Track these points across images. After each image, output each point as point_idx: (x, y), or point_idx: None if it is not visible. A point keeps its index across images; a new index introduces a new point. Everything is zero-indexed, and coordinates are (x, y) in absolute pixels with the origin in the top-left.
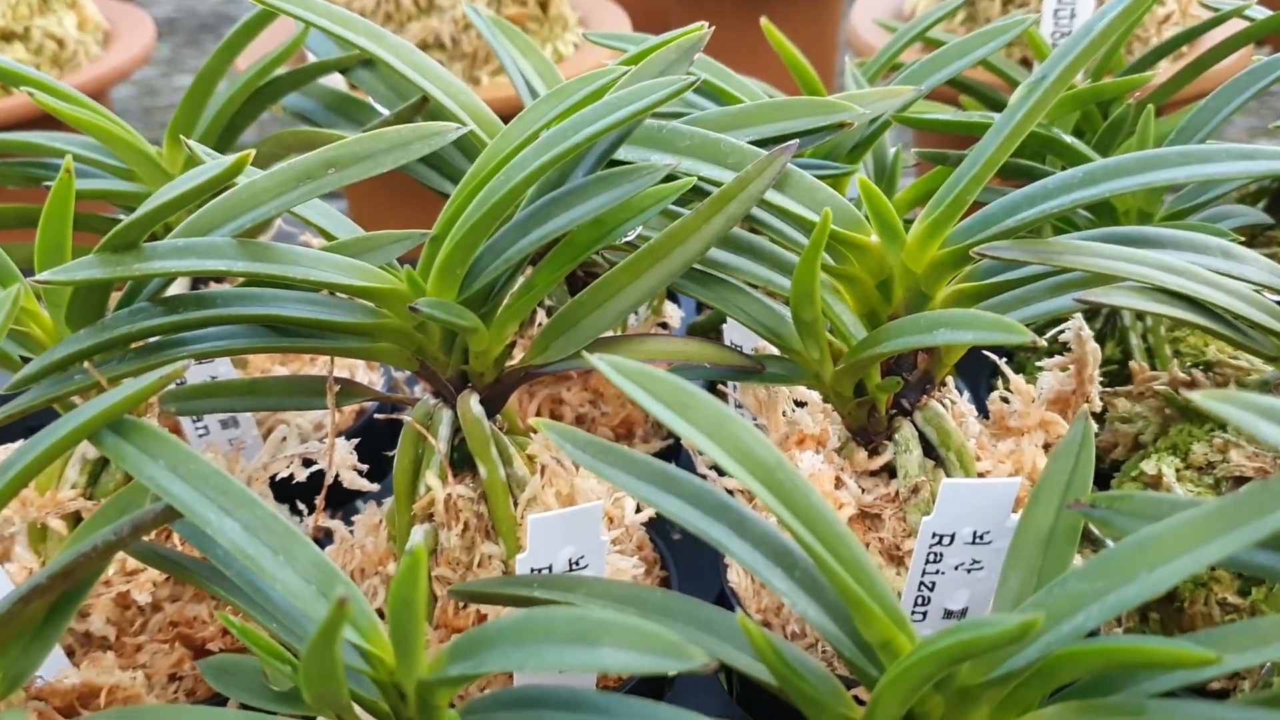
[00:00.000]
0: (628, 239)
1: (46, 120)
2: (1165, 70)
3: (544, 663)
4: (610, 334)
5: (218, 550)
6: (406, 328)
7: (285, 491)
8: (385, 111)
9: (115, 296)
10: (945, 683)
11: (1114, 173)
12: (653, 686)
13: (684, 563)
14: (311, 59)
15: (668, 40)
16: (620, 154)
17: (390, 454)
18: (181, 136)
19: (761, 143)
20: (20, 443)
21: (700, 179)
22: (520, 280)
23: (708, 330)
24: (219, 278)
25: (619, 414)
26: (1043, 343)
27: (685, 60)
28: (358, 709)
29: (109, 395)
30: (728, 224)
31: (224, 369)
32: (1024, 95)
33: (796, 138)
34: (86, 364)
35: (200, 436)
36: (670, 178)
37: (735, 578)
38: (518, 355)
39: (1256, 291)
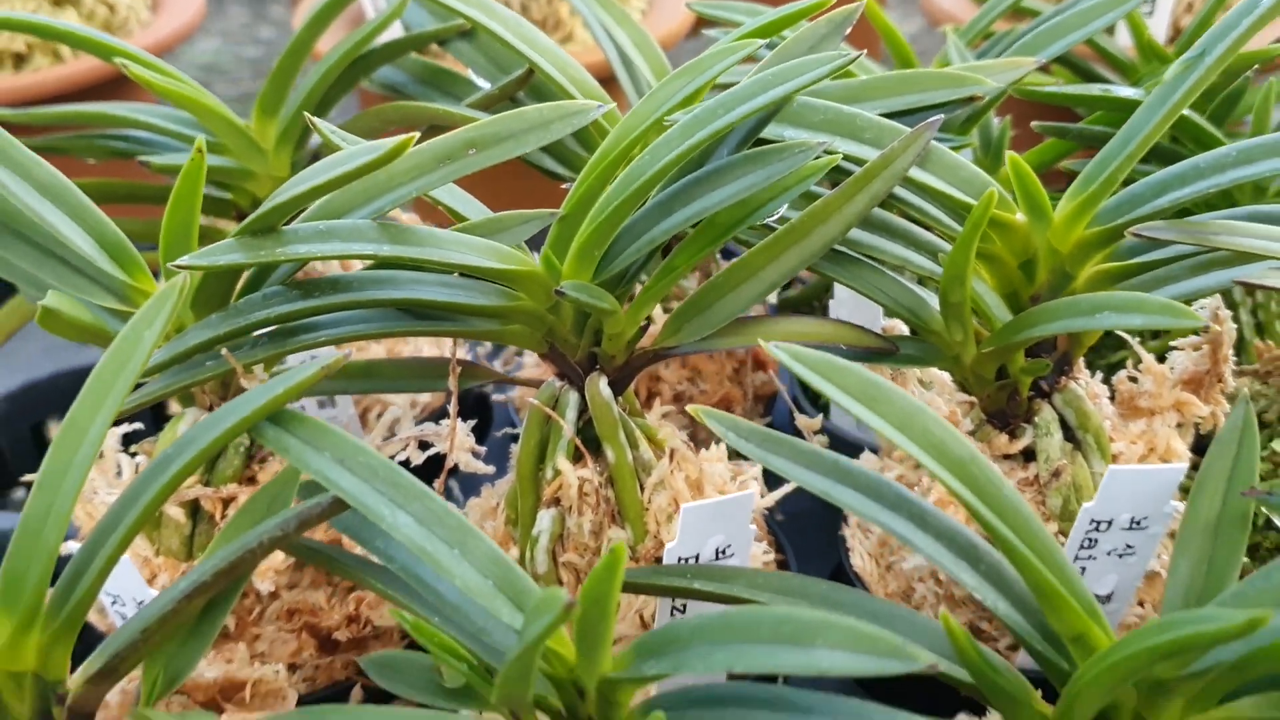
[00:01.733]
0: (770, 221)
1: (101, 88)
2: (1266, 35)
3: (752, 663)
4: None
5: (379, 543)
6: (539, 310)
7: None
8: (484, 84)
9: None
10: (1141, 676)
11: (1273, 150)
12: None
13: (793, 543)
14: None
15: (796, 14)
16: (781, 136)
17: (487, 436)
18: (309, 116)
19: (890, 116)
20: (165, 435)
21: (844, 157)
22: (653, 262)
23: (800, 305)
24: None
25: (717, 392)
26: (1215, 326)
27: (837, 35)
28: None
29: (270, 386)
30: (871, 202)
31: (324, 351)
32: (1181, 73)
33: (927, 110)
34: (223, 350)
35: None
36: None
37: (859, 562)
38: (645, 338)
39: None
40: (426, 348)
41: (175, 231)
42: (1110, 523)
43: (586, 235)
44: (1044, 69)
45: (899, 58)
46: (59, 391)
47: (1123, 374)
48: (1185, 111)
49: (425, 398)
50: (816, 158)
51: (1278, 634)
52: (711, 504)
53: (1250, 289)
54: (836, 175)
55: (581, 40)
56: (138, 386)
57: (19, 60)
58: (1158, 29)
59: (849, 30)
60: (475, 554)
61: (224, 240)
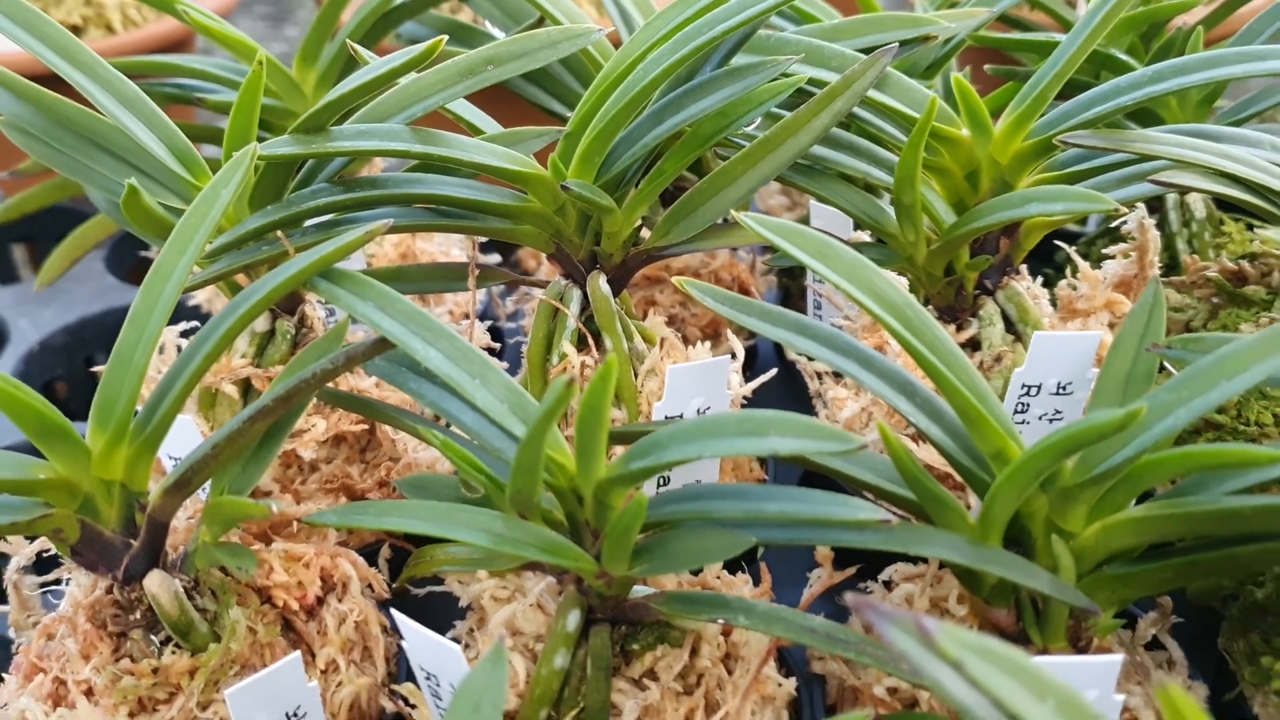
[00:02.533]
0: (747, 130)
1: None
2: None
3: (717, 450)
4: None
5: (411, 385)
6: (547, 211)
7: None
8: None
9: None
10: (1049, 484)
11: (1180, 70)
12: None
13: None
14: None
15: None
16: (740, 62)
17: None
18: (350, 43)
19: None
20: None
21: (809, 81)
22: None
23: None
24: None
25: (707, 314)
26: (1125, 210)
27: None
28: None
29: (321, 246)
30: (834, 118)
31: (356, 263)
32: (1099, 4)
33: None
34: (279, 233)
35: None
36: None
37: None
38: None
39: None
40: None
41: (238, 132)
42: (1039, 387)
43: (588, 142)
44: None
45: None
46: (107, 329)
47: (1063, 282)
48: (1121, 55)
49: (441, 311)
50: (785, 75)
51: (1159, 438)
52: (694, 366)
53: (1186, 220)
54: (806, 98)
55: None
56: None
57: (75, 32)
58: None
59: None
60: (494, 383)
61: (281, 137)
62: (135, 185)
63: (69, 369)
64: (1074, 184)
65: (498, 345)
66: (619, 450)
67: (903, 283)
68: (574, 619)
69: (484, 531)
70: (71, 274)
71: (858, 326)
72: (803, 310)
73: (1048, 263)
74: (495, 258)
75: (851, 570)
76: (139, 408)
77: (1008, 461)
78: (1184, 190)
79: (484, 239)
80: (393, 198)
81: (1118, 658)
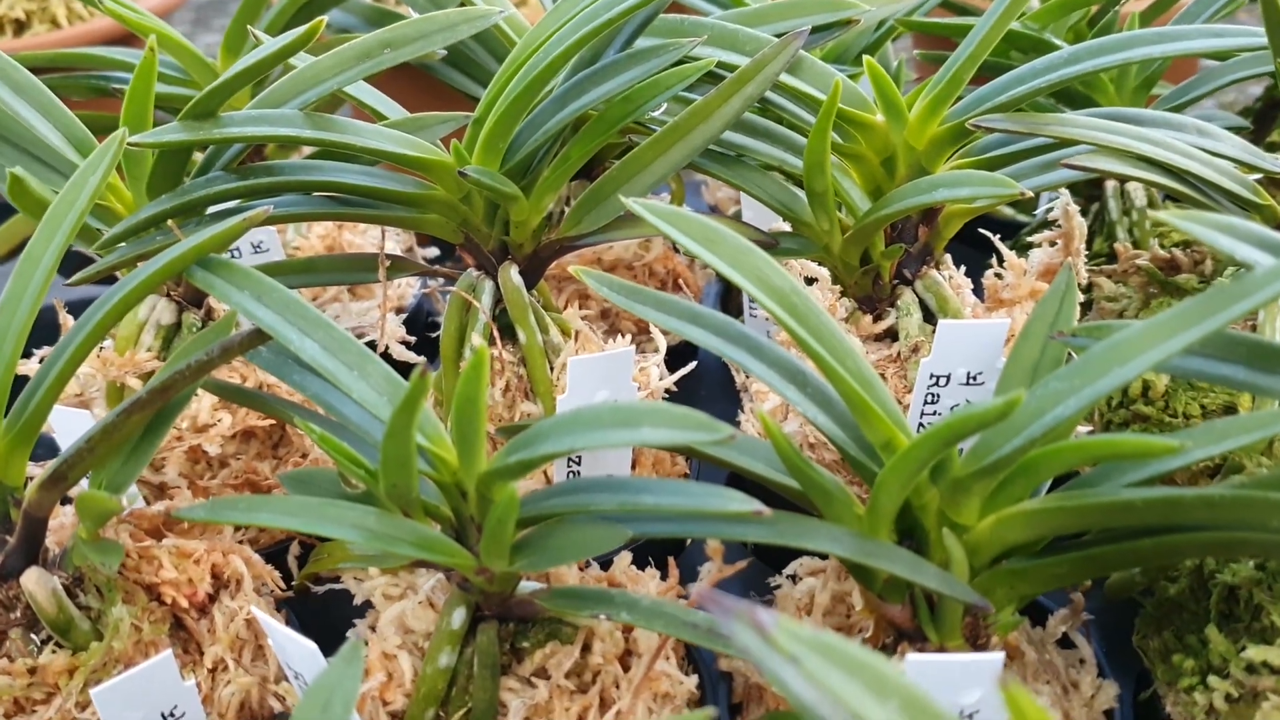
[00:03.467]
0: (655, 114)
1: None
2: None
3: (591, 441)
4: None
5: (295, 377)
6: (453, 199)
7: None
8: None
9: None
10: (940, 475)
11: (1096, 51)
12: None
13: None
14: None
15: None
16: (644, 45)
17: (434, 335)
18: (250, 28)
19: (777, 38)
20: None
21: (720, 64)
22: (554, 155)
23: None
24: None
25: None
26: (1029, 193)
27: None
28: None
29: (198, 234)
30: (745, 104)
31: (276, 255)
32: None
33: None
34: (170, 223)
35: None
36: (690, 62)
37: (744, 418)
38: (553, 232)
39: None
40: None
41: (132, 118)
42: (948, 377)
43: (490, 127)
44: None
45: None
46: (45, 322)
47: (990, 272)
48: (1056, 40)
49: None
50: (692, 58)
51: (1049, 427)
52: (596, 357)
53: (1126, 209)
54: (719, 83)
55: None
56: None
57: (20, 27)
58: None
59: None
60: (372, 375)
61: (168, 124)
62: (18, 174)
63: None
64: (992, 169)
65: (432, 335)
66: None
67: (824, 273)
68: (459, 616)
69: (356, 528)
70: (4, 270)
71: None
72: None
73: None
74: (434, 250)
75: (742, 563)
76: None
77: (896, 451)
78: (1117, 178)
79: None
80: (291, 184)
81: (998, 656)
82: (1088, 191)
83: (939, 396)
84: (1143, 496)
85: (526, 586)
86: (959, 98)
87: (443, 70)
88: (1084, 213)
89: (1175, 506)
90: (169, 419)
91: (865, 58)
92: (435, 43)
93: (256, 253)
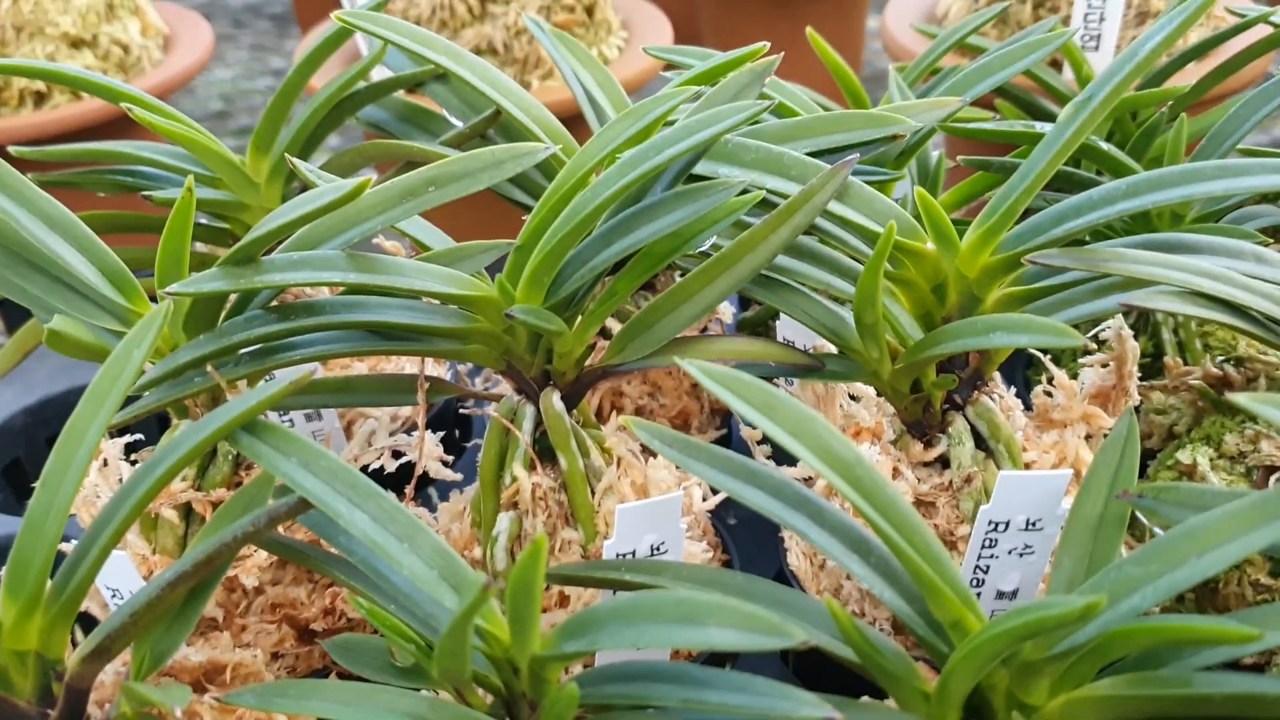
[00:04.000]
0: (702, 249)
1: (116, 124)
2: (1190, 72)
3: (654, 640)
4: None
5: (341, 539)
6: (496, 331)
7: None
8: (458, 123)
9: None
10: (1010, 658)
11: (1155, 185)
12: (717, 659)
13: (742, 546)
14: (377, 75)
15: (734, 61)
16: (693, 178)
17: (465, 446)
18: (289, 157)
19: (819, 153)
20: (161, 442)
21: (768, 191)
22: (599, 287)
23: (757, 325)
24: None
25: (676, 405)
26: (1092, 345)
27: (757, 84)
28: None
29: (245, 398)
30: (794, 233)
31: (316, 372)
32: (1072, 114)
33: (853, 149)
34: (209, 367)
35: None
36: (741, 191)
37: (795, 561)
38: (596, 356)
39: None
40: (409, 366)
41: (168, 260)
42: (1008, 524)
43: (536, 263)
44: (988, 104)
45: (845, 87)
46: (70, 407)
47: (1039, 389)
48: (1102, 145)
49: (406, 411)
50: (741, 193)
51: (1125, 620)
52: (644, 504)
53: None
54: (765, 208)
55: (561, 77)
56: (134, 399)
57: (40, 98)
58: (1102, 62)
59: (768, 79)
60: (422, 547)
61: (209, 270)
62: (57, 329)
63: (29, 450)
64: (1044, 297)
65: (466, 445)
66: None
67: (869, 391)
68: None
69: (409, 716)
70: (34, 353)
71: None
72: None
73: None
74: (468, 365)
75: None
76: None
77: (966, 631)
78: (1176, 314)
79: None
80: (331, 325)
81: None
82: None
83: (996, 541)
84: (1222, 692)
85: None
86: (1010, 227)
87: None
88: (1129, 312)
89: (1256, 702)
90: (211, 586)
91: (916, 189)
92: (481, 181)
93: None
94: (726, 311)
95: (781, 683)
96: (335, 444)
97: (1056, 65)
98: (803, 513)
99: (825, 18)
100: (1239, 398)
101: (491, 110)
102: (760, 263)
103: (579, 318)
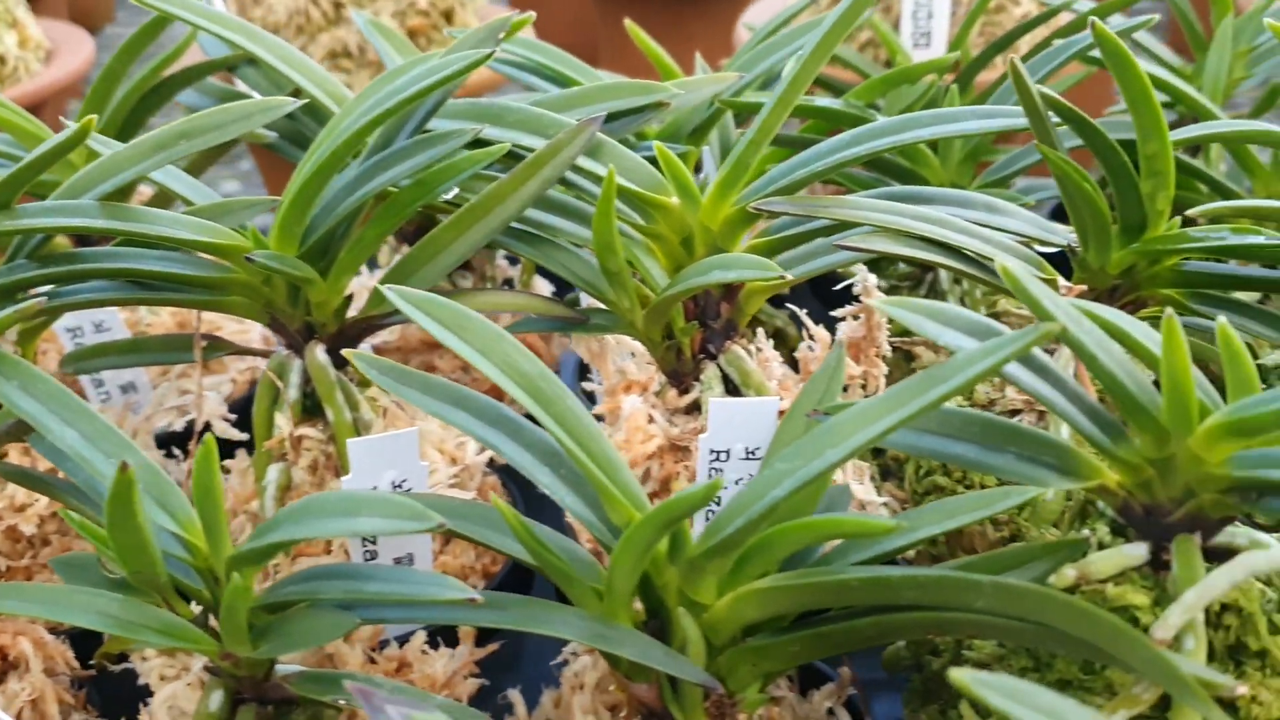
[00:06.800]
0: (447, 198)
1: None
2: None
3: (315, 531)
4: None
5: (68, 464)
6: (254, 282)
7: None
8: None
9: None
10: (677, 555)
11: (876, 134)
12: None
13: (540, 513)
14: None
15: (516, 24)
16: (450, 127)
17: None
18: (63, 119)
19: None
20: None
21: (518, 146)
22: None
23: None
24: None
25: (486, 381)
26: (789, 276)
27: (491, 39)
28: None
29: None
30: (543, 186)
31: (119, 334)
32: (792, 67)
33: (626, 115)
34: None
35: (103, 401)
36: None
37: (571, 517)
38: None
39: (1022, 242)
40: (231, 326)
41: None
42: (729, 453)
43: (284, 211)
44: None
45: (664, 73)
46: None
47: (803, 344)
48: (871, 114)
49: (234, 386)
50: (485, 141)
51: (767, 509)
52: (377, 438)
53: (958, 276)
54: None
55: None
56: None
57: None
58: (937, 46)
59: (502, 35)
60: (133, 465)
61: None
62: None
63: None
64: (784, 248)
65: None
66: None
67: (639, 348)
68: (216, 699)
69: (98, 614)
70: None
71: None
72: None
73: None
74: None
75: (494, 645)
76: None
77: None
78: (892, 257)
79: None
80: (92, 272)
81: None
82: (923, 264)
83: (722, 471)
84: (857, 576)
85: (285, 669)
86: (748, 181)
87: (286, 149)
88: (919, 282)
89: (886, 586)
90: None
91: (656, 145)
92: (230, 132)
93: (99, 332)
94: (546, 289)
95: (436, 574)
96: (141, 407)
97: (890, 65)
98: (501, 430)
99: (709, 23)
100: (875, 302)
101: (292, 88)
102: (511, 214)
103: (332, 267)
